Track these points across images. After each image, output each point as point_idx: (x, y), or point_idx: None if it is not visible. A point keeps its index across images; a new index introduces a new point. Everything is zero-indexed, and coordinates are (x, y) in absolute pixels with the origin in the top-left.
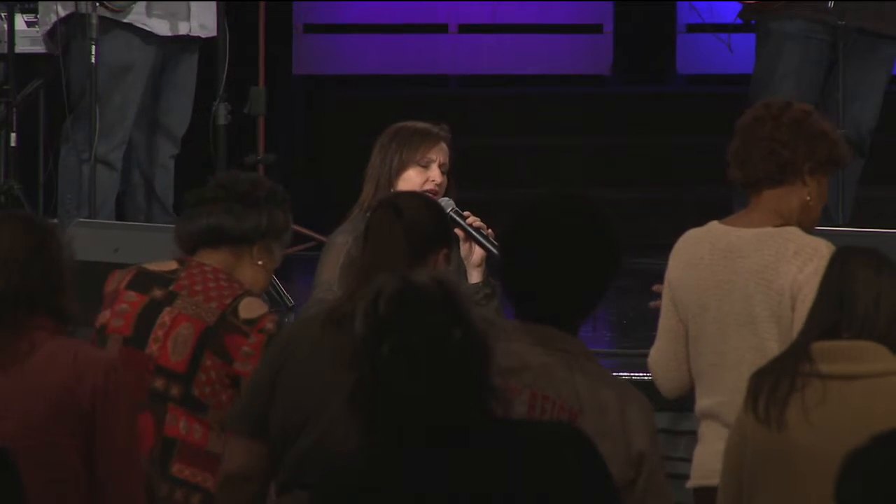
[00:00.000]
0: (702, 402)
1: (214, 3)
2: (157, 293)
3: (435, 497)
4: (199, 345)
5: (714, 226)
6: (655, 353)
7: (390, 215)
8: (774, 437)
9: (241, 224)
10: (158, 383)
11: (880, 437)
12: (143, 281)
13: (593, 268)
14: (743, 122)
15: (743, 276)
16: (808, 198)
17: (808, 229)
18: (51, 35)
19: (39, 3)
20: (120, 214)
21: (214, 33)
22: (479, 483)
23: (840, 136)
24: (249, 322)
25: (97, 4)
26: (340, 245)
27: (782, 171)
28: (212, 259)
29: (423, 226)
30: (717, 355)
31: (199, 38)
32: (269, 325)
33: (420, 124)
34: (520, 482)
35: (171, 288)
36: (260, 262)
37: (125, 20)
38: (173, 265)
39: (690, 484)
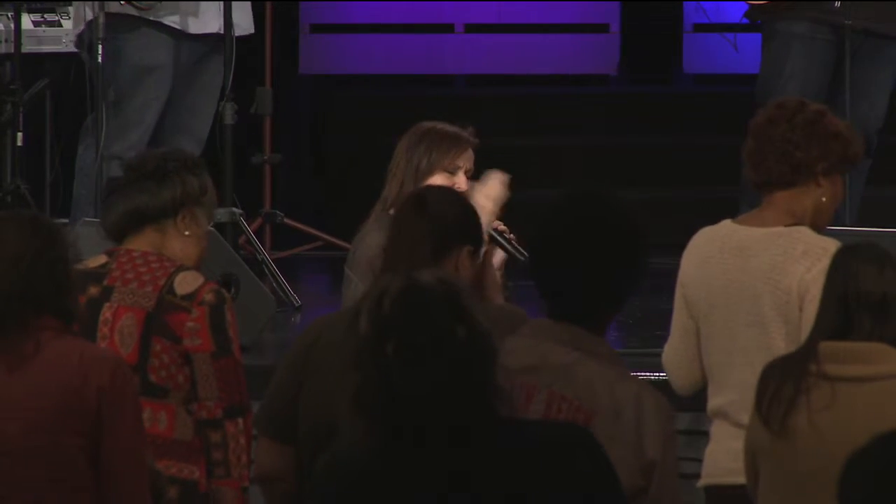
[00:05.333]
0: (712, 401)
1: (247, 3)
2: (93, 291)
3: (437, 497)
4: (144, 332)
5: (726, 224)
6: (669, 351)
7: (415, 208)
8: (778, 438)
9: (156, 200)
10: None
11: (883, 437)
12: (77, 282)
13: (622, 267)
14: (757, 122)
15: (752, 275)
16: (824, 198)
17: (822, 229)
18: (80, 37)
19: (73, 4)
20: None
21: (247, 31)
22: (482, 483)
23: (855, 135)
24: (187, 297)
25: (121, 3)
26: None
27: (795, 173)
28: (139, 242)
29: (448, 220)
30: (725, 354)
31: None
32: (209, 296)
33: (450, 128)
34: (524, 483)
35: (105, 283)
36: (187, 233)
37: (153, 18)
38: (103, 259)
39: (701, 483)
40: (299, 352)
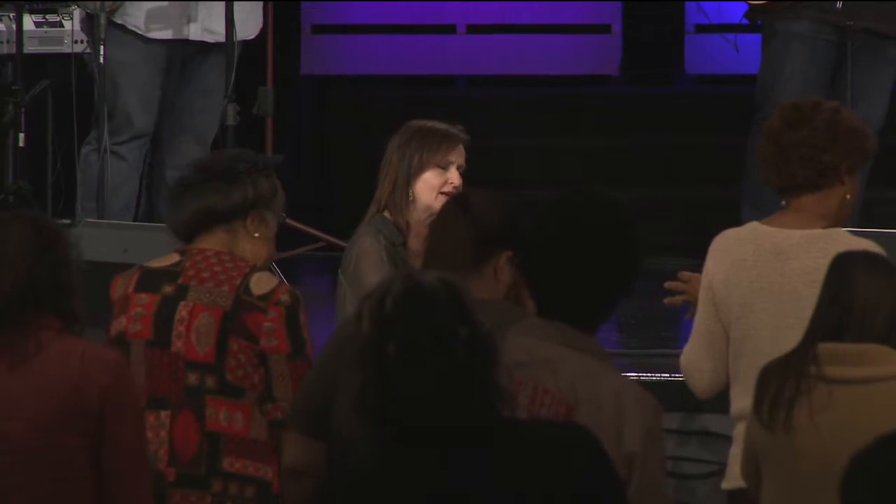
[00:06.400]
0: (740, 403)
1: (252, 3)
2: (168, 289)
3: (439, 497)
4: (221, 331)
5: (756, 226)
6: (690, 353)
7: (457, 209)
8: (779, 439)
9: (228, 200)
10: (192, 378)
11: (885, 437)
12: (150, 280)
13: (615, 267)
14: (773, 126)
15: (793, 277)
16: (848, 196)
17: (843, 224)
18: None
19: (80, 3)
20: (149, 214)
21: (224, 39)
22: (483, 483)
23: (866, 128)
24: (264, 297)
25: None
26: (372, 248)
27: (822, 176)
28: (209, 242)
29: (490, 224)
30: (762, 356)
31: (205, 42)
32: (285, 297)
33: (439, 125)
34: (526, 483)
35: (179, 281)
36: (256, 234)
37: (118, 20)
38: (175, 258)
39: (726, 485)
40: (329, 355)
